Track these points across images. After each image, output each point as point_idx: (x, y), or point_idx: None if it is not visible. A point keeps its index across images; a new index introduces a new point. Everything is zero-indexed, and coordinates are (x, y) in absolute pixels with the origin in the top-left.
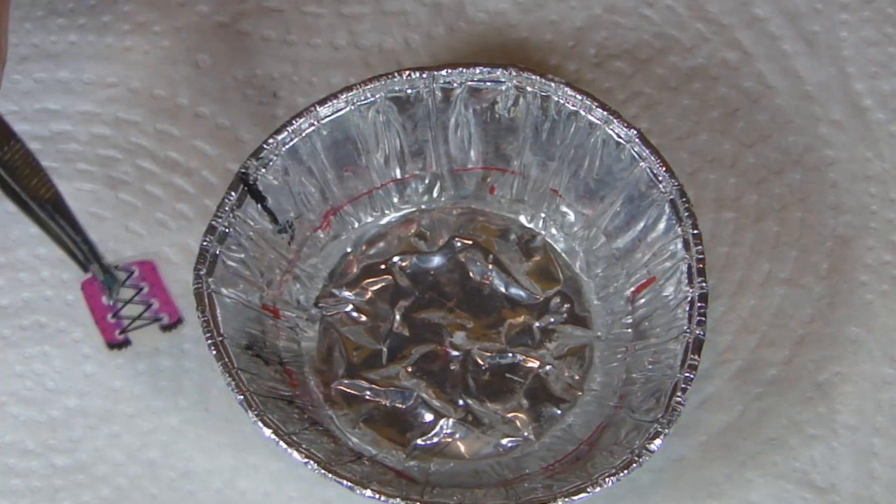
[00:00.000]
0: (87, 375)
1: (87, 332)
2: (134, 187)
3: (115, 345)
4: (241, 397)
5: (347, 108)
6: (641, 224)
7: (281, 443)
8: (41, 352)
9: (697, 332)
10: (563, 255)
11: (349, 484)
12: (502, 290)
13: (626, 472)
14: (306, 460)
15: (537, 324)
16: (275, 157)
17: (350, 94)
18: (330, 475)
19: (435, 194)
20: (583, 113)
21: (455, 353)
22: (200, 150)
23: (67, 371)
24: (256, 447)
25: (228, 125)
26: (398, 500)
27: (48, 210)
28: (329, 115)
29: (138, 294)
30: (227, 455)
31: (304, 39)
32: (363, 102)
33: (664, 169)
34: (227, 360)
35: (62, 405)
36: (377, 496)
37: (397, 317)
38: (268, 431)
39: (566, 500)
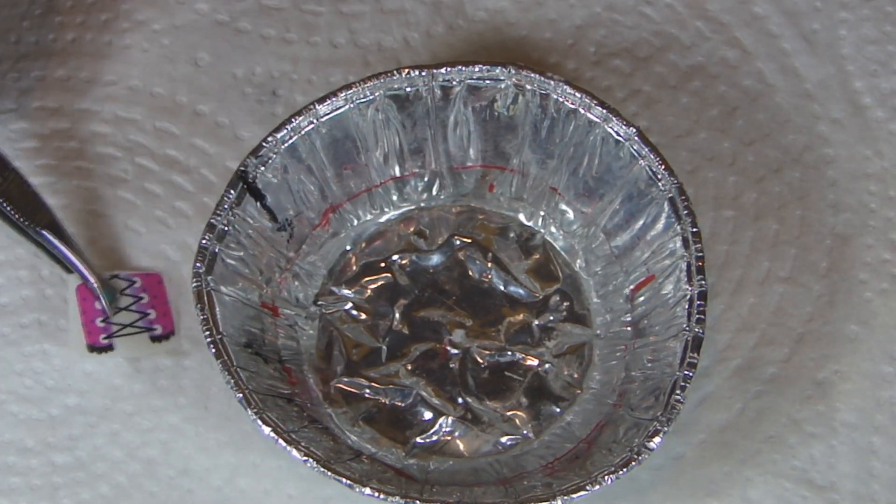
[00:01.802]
0: (86, 374)
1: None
2: (133, 185)
3: (96, 348)
4: (241, 395)
5: (347, 107)
6: (641, 222)
7: (280, 441)
8: (41, 350)
9: (697, 330)
10: (563, 253)
11: (348, 482)
12: (501, 288)
13: (625, 470)
14: (305, 458)
15: (536, 322)
16: (274, 156)
17: (349, 92)
18: (329, 473)
19: (434, 192)
20: (582, 111)
21: (454, 351)
22: (199, 148)
23: (67, 369)
24: (256, 445)
25: (227, 123)
26: (397, 498)
27: (44, 236)
28: (328, 114)
29: (135, 303)
30: (226, 453)
31: (304, 37)
32: (362, 101)
33: (663, 167)
34: (226, 358)
35: (62, 403)
36: (376, 494)
37: (397, 315)
38: (267, 429)
39: (565, 498)
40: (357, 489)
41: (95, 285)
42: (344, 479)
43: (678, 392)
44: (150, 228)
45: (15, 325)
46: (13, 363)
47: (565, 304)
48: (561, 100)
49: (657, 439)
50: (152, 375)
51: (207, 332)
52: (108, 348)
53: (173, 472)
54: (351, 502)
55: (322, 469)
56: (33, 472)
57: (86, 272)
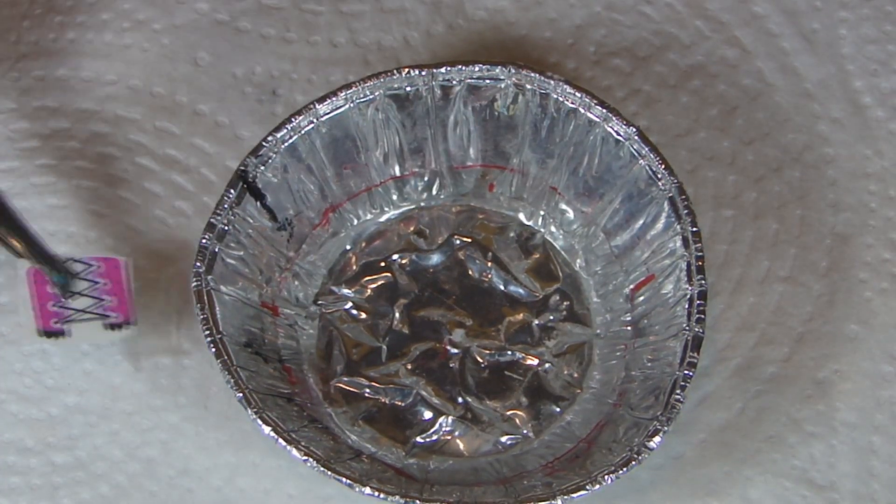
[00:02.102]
0: (86, 373)
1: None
2: (133, 185)
3: (48, 333)
4: (241, 395)
5: (346, 106)
6: (640, 222)
7: (280, 440)
8: (40, 349)
9: (696, 329)
10: (563, 252)
11: (348, 481)
12: (501, 287)
13: (625, 469)
14: (305, 458)
15: (536, 321)
16: (274, 155)
17: (349, 91)
18: (329, 473)
19: (434, 192)
20: (582, 110)
21: (454, 350)
22: (199, 148)
23: (66, 368)
24: (256, 445)
25: (227, 123)
26: (397, 497)
27: None
28: (328, 113)
29: (92, 288)
30: (226, 453)
31: (303, 37)
32: (362, 100)
33: (663, 166)
34: (226, 357)
35: (61, 403)
36: (376, 493)
37: (397, 314)
38: (267, 429)
39: (565, 497)
40: (357, 489)
41: (44, 267)
42: (344, 479)
43: (678, 391)
44: (150, 228)
45: (14, 325)
46: (13, 362)
47: (565, 303)
48: (561, 99)
49: (657, 439)
50: (152, 375)
51: (207, 332)
52: (61, 333)
53: (173, 471)
54: (351, 502)
55: (322, 469)
56: (33, 471)
57: (33, 253)
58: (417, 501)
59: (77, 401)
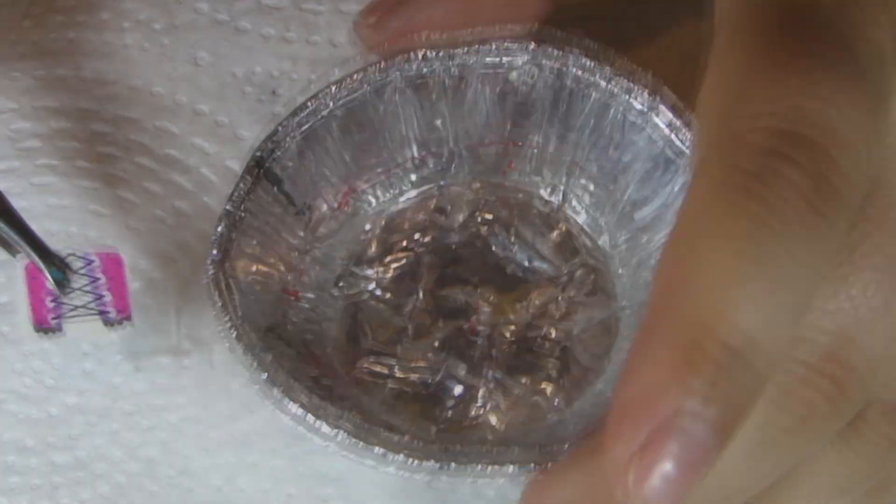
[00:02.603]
0: (86, 373)
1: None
2: (133, 184)
3: (43, 329)
4: (265, 375)
5: (363, 89)
6: (664, 193)
7: (309, 415)
8: (40, 349)
9: None
10: (585, 227)
11: (381, 450)
12: (525, 263)
13: None
14: (335, 430)
15: (562, 296)
16: (290, 140)
17: (365, 74)
18: (361, 443)
19: (453, 171)
20: (602, 83)
21: (481, 327)
22: (199, 148)
23: (66, 368)
24: (256, 445)
25: (227, 123)
26: (431, 461)
27: None
28: (344, 97)
29: (90, 284)
30: (226, 452)
31: (304, 37)
32: (379, 83)
33: (688, 136)
34: (247, 342)
35: (61, 402)
36: (410, 461)
37: (420, 294)
38: (294, 406)
39: None
40: (391, 456)
41: (40, 263)
42: (376, 448)
43: None
44: (149, 227)
45: (14, 324)
46: (13, 362)
47: (590, 277)
48: (580, 73)
49: None
50: (152, 374)
51: (227, 320)
52: (56, 329)
53: (173, 471)
54: (351, 502)
55: (354, 440)
56: (33, 471)
57: (30, 249)
58: (453, 464)
59: (77, 401)
